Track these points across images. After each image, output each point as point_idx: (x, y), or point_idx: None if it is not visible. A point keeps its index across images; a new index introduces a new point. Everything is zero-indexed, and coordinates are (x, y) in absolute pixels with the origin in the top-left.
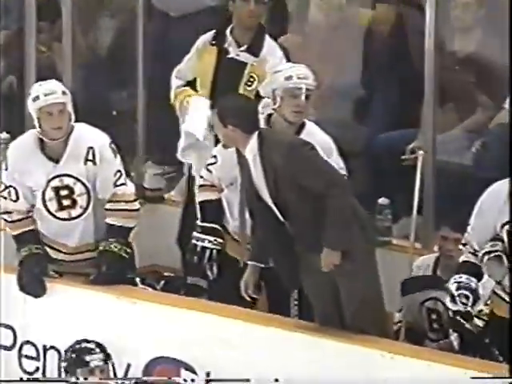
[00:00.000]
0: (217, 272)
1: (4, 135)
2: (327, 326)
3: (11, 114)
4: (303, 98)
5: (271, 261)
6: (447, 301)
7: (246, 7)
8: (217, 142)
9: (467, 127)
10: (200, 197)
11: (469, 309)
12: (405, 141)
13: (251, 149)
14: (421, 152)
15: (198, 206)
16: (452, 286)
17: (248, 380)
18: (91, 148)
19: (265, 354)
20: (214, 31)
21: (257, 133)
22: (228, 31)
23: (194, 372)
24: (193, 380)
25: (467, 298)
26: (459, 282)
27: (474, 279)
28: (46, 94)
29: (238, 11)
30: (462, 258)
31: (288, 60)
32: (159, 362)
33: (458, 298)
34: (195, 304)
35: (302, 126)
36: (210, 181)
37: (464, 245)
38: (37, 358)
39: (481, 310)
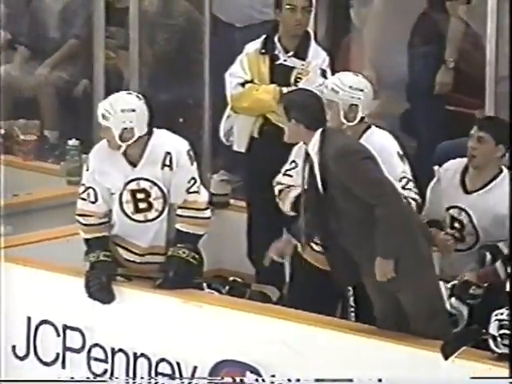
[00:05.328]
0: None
1: (73, 141)
2: (387, 327)
3: (81, 119)
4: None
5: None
6: (490, 342)
7: (293, 16)
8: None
9: None
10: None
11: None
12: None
13: (313, 146)
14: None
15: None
16: (494, 325)
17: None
18: (169, 153)
19: (327, 357)
20: (262, 39)
21: (320, 131)
22: (276, 39)
23: (259, 374)
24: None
25: (509, 337)
26: (501, 321)
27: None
28: (104, 116)
29: (286, 20)
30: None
31: (332, 61)
32: (225, 364)
33: (499, 340)
34: (261, 308)
35: (366, 129)
36: (291, 185)
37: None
38: (105, 361)
39: None
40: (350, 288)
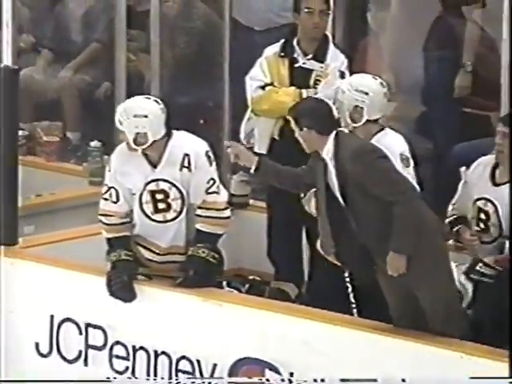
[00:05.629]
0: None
1: (95, 143)
2: (402, 325)
3: (102, 121)
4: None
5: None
6: None
7: (311, 20)
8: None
9: None
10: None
11: None
12: (483, 151)
13: (328, 150)
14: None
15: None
16: None
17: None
18: (187, 155)
19: (346, 356)
20: (281, 43)
21: (334, 134)
22: (295, 42)
23: (277, 372)
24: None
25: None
26: None
27: None
28: (119, 120)
29: (304, 23)
30: None
31: (350, 63)
32: (244, 362)
33: None
34: (280, 307)
35: (379, 131)
36: None
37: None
38: (127, 358)
39: None
40: (348, 285)
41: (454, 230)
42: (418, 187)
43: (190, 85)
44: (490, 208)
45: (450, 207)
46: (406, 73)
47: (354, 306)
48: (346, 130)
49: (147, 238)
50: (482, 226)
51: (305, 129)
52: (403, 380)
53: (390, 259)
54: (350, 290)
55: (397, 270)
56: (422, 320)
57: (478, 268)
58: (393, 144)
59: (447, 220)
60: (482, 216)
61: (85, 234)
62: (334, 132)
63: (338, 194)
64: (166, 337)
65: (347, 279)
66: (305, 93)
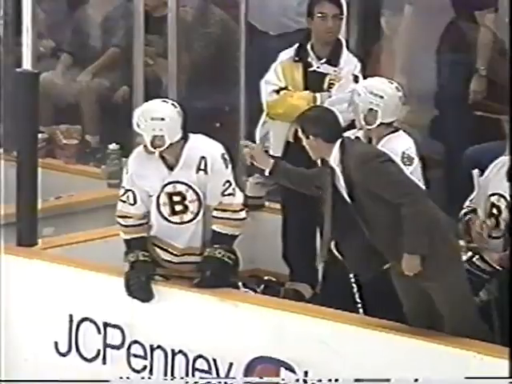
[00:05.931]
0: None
1: (113, 146)
2: (418, 325)
3: (121, 124)
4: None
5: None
6: None
7: (324, 24)
8: None
9: None
10: None
11: None
12: (495, 153)
13: (334, 158)
14: None
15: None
16: None
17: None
18: (203, 158)
19: (361, 355)
20: (295, 47)
21: (339, 142)
22: (309, 47)
23: (292, 371)
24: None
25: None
26: None
27: None
28: (137, 123)
29: (317, 28)
30: None
31: (364, 68)
32: (260, 361)
33: None
34: (294, 307)
35: (391, 132)
36: None
37: None
38: (144, 357)
39: None
40: (354, 285)
41: (465, 219)
42: (423, 187)
43: (206, 89)
44: (502, 203)
45: (467, 202)
46: (418, 77)
47: (359, 305)
48: (352, 137)
49: (164, 239)
50: (493, 220)
51: (311, 137)
52: (416, 380)
53: (406, 260)
54: (355, 289)
55: (412, 270)
56: (436, 320)
57: (474, 260)
58: (398, 145)
59: (462, 211)
60: (494, 211)
61: (103, 236)
62: (340, 140)
63: (347, 199)
64: (182, 336)
65: (352, 279)
66: (319, 97)
